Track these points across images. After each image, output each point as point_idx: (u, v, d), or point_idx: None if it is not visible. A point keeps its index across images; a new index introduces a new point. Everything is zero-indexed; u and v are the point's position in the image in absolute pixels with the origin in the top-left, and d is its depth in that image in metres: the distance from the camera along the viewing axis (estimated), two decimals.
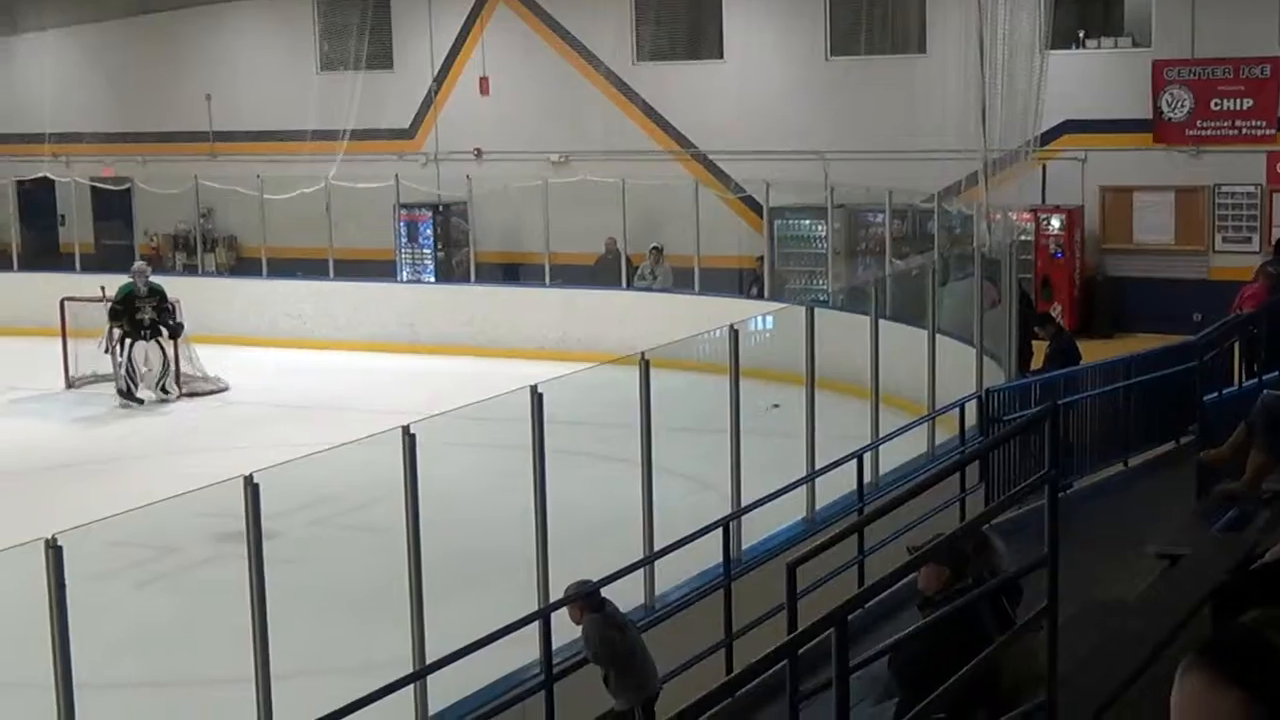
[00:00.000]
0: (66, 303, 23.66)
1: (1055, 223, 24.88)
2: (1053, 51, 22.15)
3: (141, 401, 22.37)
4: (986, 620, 7.70)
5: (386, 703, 9.42)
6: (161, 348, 22.63)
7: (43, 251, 31.13)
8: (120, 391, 22.44)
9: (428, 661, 9.92)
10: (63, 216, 32.17)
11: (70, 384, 23.32)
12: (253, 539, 8.93)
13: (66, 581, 7.95)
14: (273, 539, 9.17)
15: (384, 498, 12.21)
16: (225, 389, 23.17)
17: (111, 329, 22.60)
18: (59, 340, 23.43)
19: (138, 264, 23.73)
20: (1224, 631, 2.80)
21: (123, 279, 23.32)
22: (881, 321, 16.15)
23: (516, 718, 9.83)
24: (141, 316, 22.65)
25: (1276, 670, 2.65)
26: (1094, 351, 19.93)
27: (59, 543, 7.89)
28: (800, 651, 7.00)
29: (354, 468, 15.35)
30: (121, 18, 32.56)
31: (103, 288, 23.41)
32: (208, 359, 23.48)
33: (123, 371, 22.47)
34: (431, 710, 10.04)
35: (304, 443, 13.21)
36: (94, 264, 28.68)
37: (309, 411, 21.12)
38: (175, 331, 22.76)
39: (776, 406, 13.17)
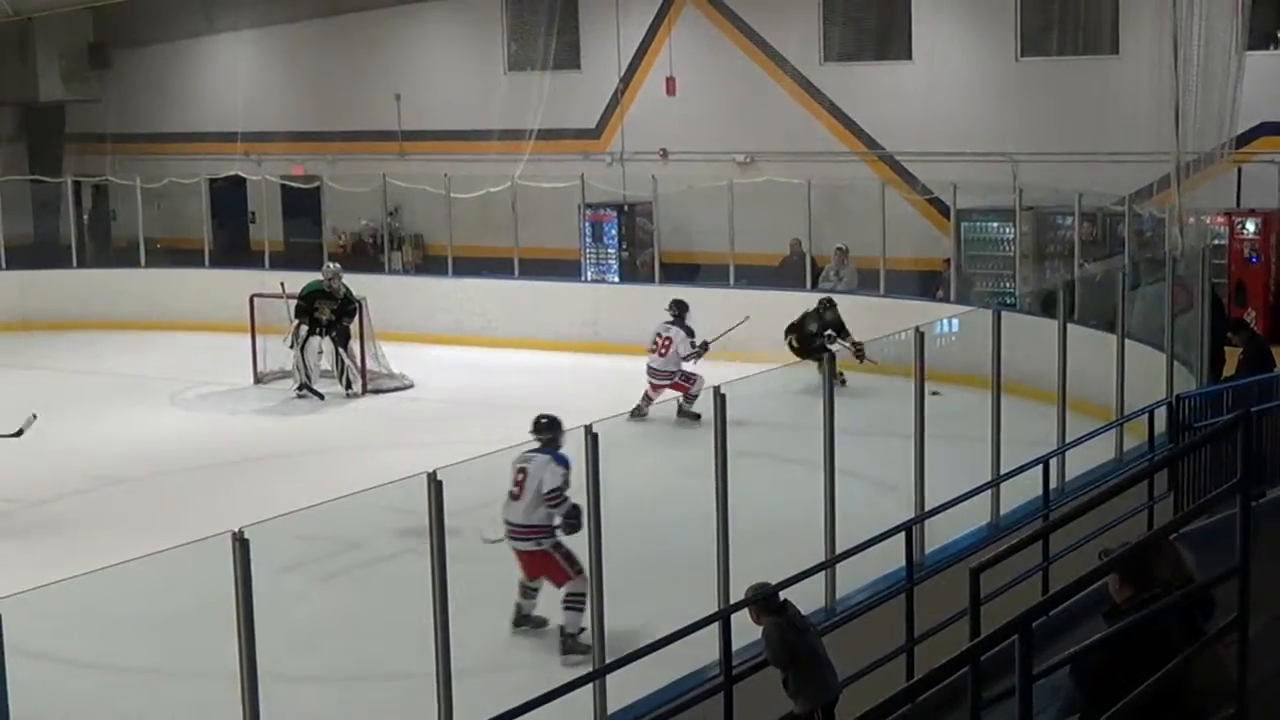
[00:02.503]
0: (256, 299, 24.09)
1: (1250, 227, 24.31)
2: (1250, 52, 21.63)
3: (321, 396, 22.68)
4: (1174, 631, 7.53)
5: (565, 701, 9.45)
6: (335, 347, 22.96)
7: (233, 249, 31.77)
8: (296, 385, 22.84)
9: (607, 660, 9.94)
10: (253, 214, 32.80)
11: (258, 379, 23.74)
12: (435, 535, 9.01)
13: (252, 574, 8.09)
14: (455, 536, 9.23)
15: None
16: (410, 386, 23.44)
17: (298, 325, 22.98)
18: (248, 336, 23.88)
19: (330, 266, 24.07)
20: None
21: (310, 277, 23.73)
22: (1070, 326, 15.88)
23: (696, 718, 9.81)
24: (320, 315, 23.00)
25: None
26: None
27: (245, 536, 8.03)
28: (983, 658, 6.91)
29: None
30: (313, 18, 33.13)
31: (282, 283, 23.83)
32: (393, 356, 23.77)
33: (300, 365, 22.87)
34: (610, 709, 10.06)
35: (487, 440, 13.32)
36: (283, 261, 29.20)
37: (492, 409, 21.26)
38: (339, 338, 23.04)
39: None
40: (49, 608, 8.74)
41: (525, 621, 12.81)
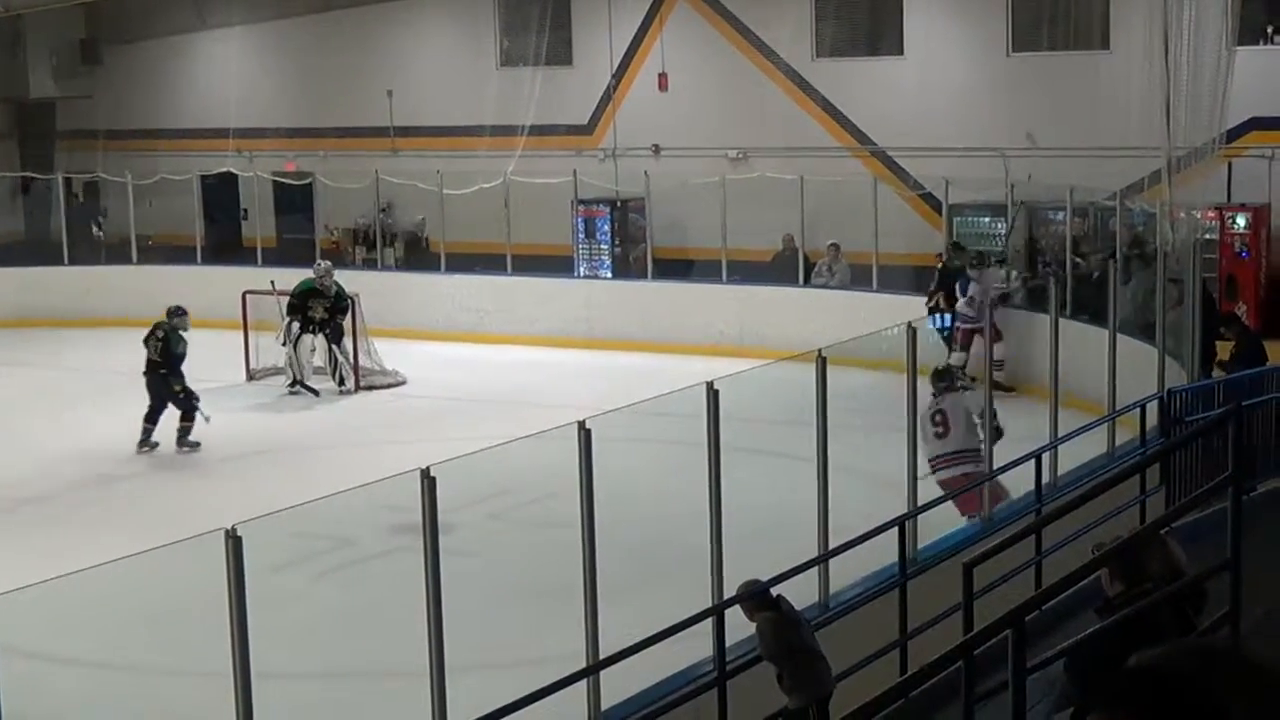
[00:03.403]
0: (248, 296, 24.09)
1: (1241, 221, 24.35)
2: (1240, 47, 21.66)
3: (315, 393, 22.67)
4: (1167, 625, 7.55)
5: (560, 697, 9.47)
6: (328, 344, 22.96)
7: (225, 245, 31.74)
8: (289, 381, 22.83)
9: (601, 657, 9.95)
10: (245, 211, 32.78)
11: (251, 376, 23.75)
12: (429, 532, 9.01)
13: (245, 571, 8.09)
14: (449, 532, 9.24)
15: (559, 492, 12.30)
16: (403, 383, 23.45)
17: (290, 323, 22.97)
18: (240, 333, 23.86)
19: (322, 264, 24.03)
20: (1135, 669, 2.76)
21: (303, 273, 23.73)
22: (1061, 320, 15.92)
23: (690, 714, 9.83)
24: (313, 314, 22.99)
25: (1185, 698, 2.62)
26: None
27: (239, 533, 8.03)
28: (976, 653, 6.93)
29: (530, 462, 15.46)
30: (305, 14, 33.12)
31: (272, 282, 23.81)
32: (386, 353, 23.77)
33: (291, 361, 22.86)
34: (604, 705, 10.07)
35: (480, 437, 13.35)
36: (275, 258, 29.19)
37: (485, 405, 21.30)
38: (333, 335, 23.04)
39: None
40: (42, 605, 8.72)
41: None
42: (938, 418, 14.49)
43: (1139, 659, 2.78)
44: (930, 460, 14.29)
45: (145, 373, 19.89)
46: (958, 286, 21.11)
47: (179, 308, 20.33)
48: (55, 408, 22.31)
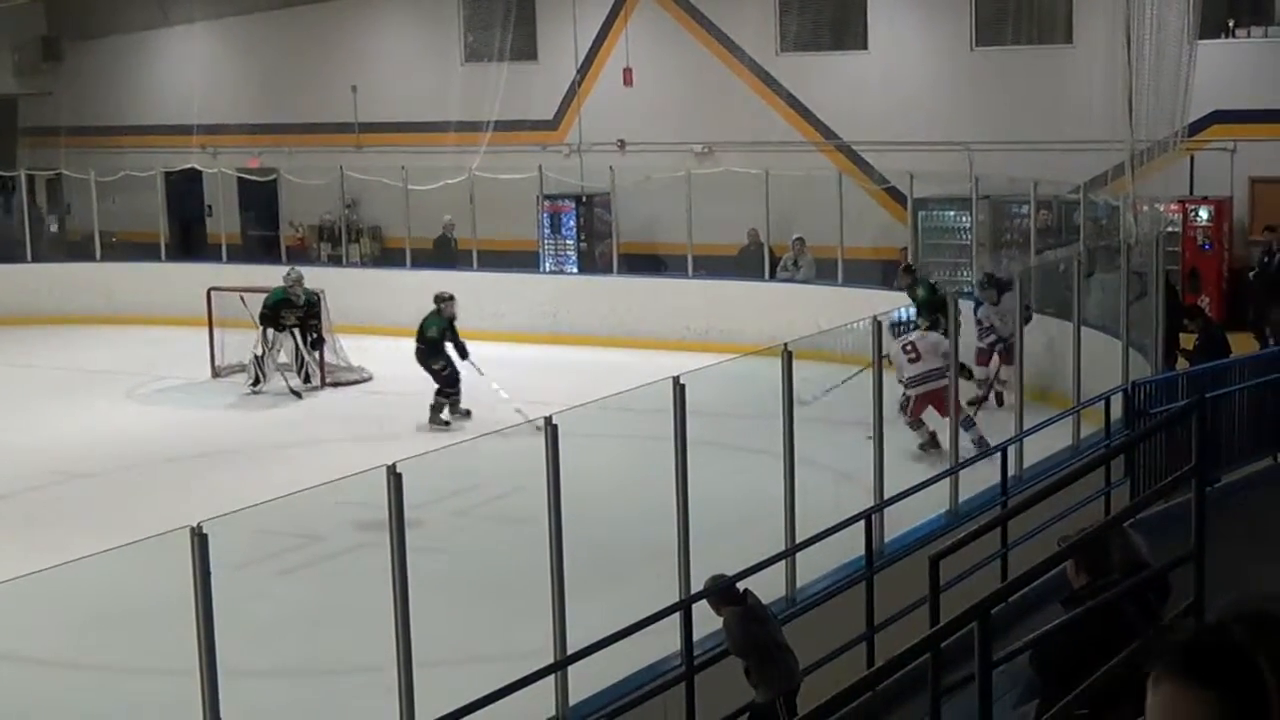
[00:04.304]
0: (213, 293, 24.02)
1: (1203, 214, 24.48)
2: (1202, 41, 21.75)
3: (299, 394, 22.58)
4: (1132, 617, 7.59)
5: (528, 693, 9.47)
6: (296, 343, 22.89)
7: (190, 242, 31.62)
8: (250, 381, 22.75)
9: (569, 652, 9.95)
10: (210, 207, 32.66)
11: (216, 373, 23.67)
12: (395, 528, 8.99)
13: (211, 569, 8.07)
14: (415, 528, 9.22)
15: (526, 488, 12.29)
16: (369, 379, 23.41)
17: (264, 331, 22.87)
18: (205, 330, 23.79)
19: (294, 272, 23.80)
20: (1191, 636, 2.78)
21: (266, 270, 23.67)
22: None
23: (657, 709, 9.85)
24: (285, 323, 22.90)
25: (1243, 666, 2.63)
26: (1243, 345, 19.59)
27: (204, 530, 8.00)
28: (943, 645, 6.95)
29: (496, 458, 15.48)
30: (268, 10, 33.02)
31: (242, 297, 23.62)
32: (351, 349, 23.73)
33: (255, 361, 22.77)
34: (572, 700, 10.07)
35: (446, 433, 13.34)
36: (240, 255, 29.12)
37: None
38: (315, 345, 23.02)
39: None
40: (7, 605, 8.69)
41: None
42: (908, 348, 16.95)
43: (1202, 627, 2.81)
44: (905, 380, 16.82)
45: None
46: (975, 311, 19.78)
47: (442, 294, 21.19)
48: (16, 406, 22.20)
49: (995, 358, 19.35)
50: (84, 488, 17.85)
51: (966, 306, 19.49)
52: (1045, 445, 15.28)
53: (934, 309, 18.26)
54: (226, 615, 8.30)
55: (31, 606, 11.57)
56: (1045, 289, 19.73)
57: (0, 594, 7.91)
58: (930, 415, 17.02)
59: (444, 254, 28.41)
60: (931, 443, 17.04)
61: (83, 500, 17.26)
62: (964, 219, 25.11)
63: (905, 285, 20.81)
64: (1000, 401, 18.91)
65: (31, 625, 12.24)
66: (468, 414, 20.20)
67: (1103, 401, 15.61)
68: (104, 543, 9.32)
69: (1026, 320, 16.80)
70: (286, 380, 22.65)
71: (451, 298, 21.04)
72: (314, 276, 24.16)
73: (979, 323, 19.68)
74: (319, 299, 23.22)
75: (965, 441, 15.16)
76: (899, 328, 17.69)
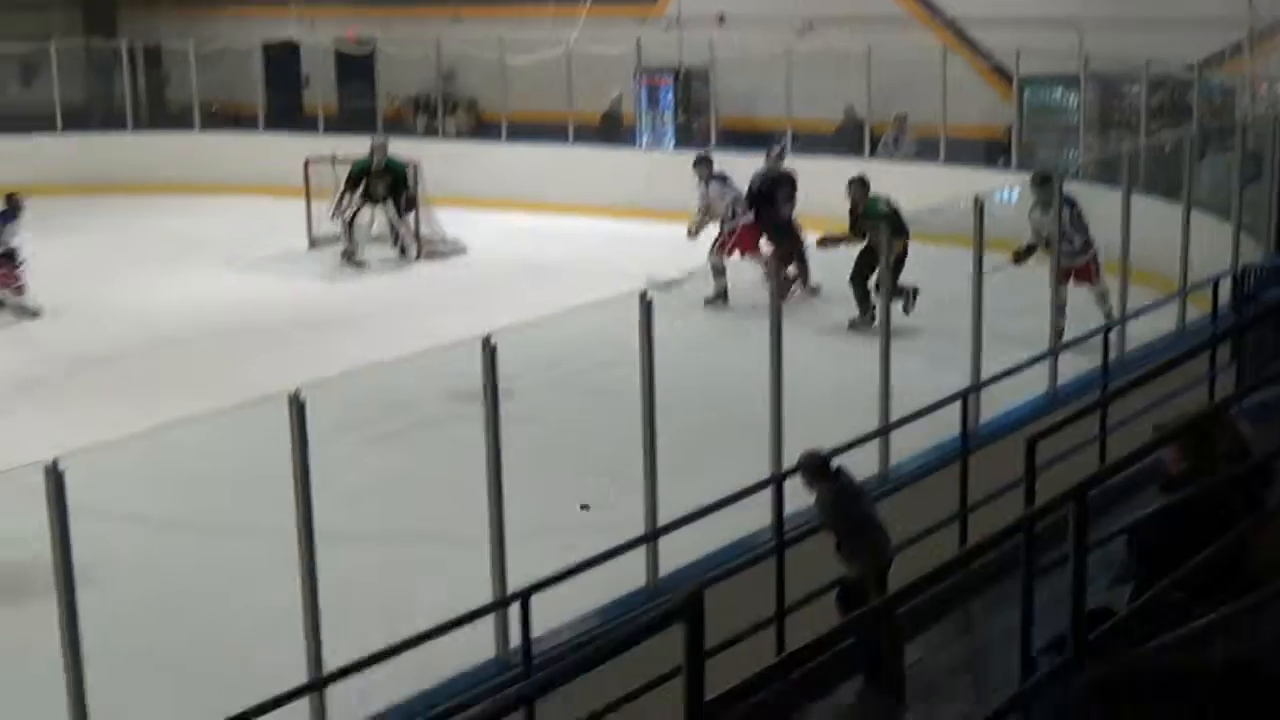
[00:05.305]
0: (310, 164, 24.05)
1: None
2: None
3: (364, 264, 22.69)
4: (1233, 504, 7.45)
5: (618, 564, 9.47)
6: (389, 214, 22.93)
7: (287, 114, 31.61)
8: (343, 254, 22.81)
9: (659, 524, 9.93)
10: (307, 78, 32.62)
11: (313, 244, 23.73)
12: (489, 399, 8.98)
13: (308, 435, 8.10)
14: (508, 400, 9.19)
15: (620, 361, 12.22)
16: (463, 251, 23.42)
17: (341, 196, 22.91)
18: (302, 201, 23.85)
19: (379, 138, 23.92)
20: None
21: (363, 141, 23.68)
22: (1134, 195, 15.65)
23: (747, 583, 9.80)
24: (373, 192, 22.92)
25: None
26: None
27: (302, 397, 8.03)
28: (1037, 527, 6.86)
29: (591, 330, 15.41)
30: None
31: (334, 157, 23.72)
32: (447, 222, 23.74)
33: (345, 227, 22.84)
34: (662, 573, 10.06)
35: (541, 305, 13.29)
36: (337, 126, 29.09)
37: (546, 274, 21.24)
38: (406, 207, 23.01)
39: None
40: (109, 466, 8.74)
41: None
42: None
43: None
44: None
45: None
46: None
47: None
48: (115, 274, 22.40)
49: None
50: (181, 354, 18.01)
51: (1072, 188, 19.15)
52: (1150, 329, 15.05)
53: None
54: (322, 481, 8.33)
55: (133, 468, 11.69)
56: (1154, 170, 19.35)
57: (101, 455, 7.95)
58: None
59: (611, 129, 28.25)
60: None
61: (180, 367, 17.41)
62: (1071, 98, 24.65)
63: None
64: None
65: (134, 486, 12.38)
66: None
67: (1210, 285, 15.30)
68: (203, 409, 9.39)
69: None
70: (394, 241, 22.71)
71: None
72: (410, 149, 24.12)
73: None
74: (406, 168, 23.18)
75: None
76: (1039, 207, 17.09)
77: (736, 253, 19.74)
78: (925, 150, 24.55)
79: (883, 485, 11.43)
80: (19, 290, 20.06)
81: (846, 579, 9.47)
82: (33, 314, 19.97)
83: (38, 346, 18.67)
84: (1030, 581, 6.84)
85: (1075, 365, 13.98)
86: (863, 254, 17.91)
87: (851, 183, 18.69)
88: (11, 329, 19.50)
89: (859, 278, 17.89)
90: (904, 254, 17.24)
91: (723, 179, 20.40)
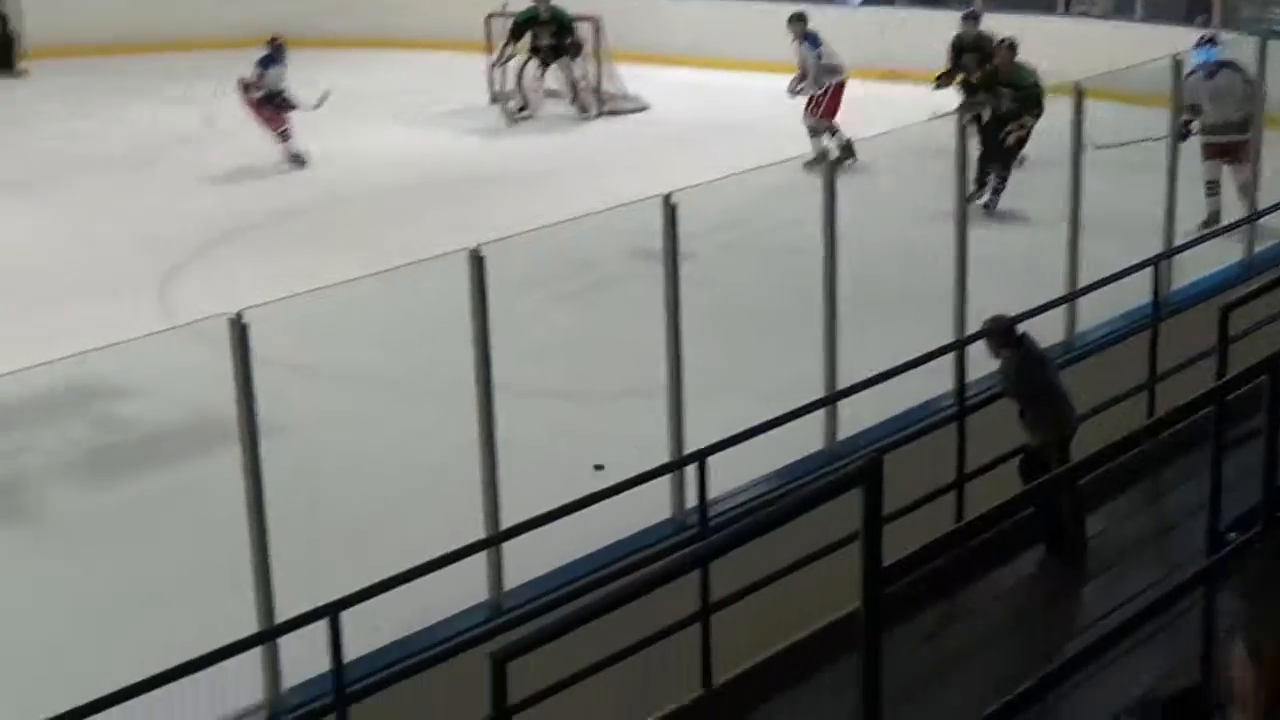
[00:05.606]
0: (491, 19, 23.99)
1: None
2: None
3: (527, 117, 22.70)
4: None
5: (796, 425, 9.45)
6: (566, 68, 22.83)
7: None
8: (507, 111, 22.81)
9: (839, 387, 9.87)
10: None
11: (494, 99, 23.67)
12: (670, 259, 8.96)
13: (488, 291, 8.14)
14: (688, 260, 9.16)
15: (802, 221, 12.11)
16: (646, 108, 23.28)
17: (504, 46, 22.84)
18: (484, 55, 23.82)
19: None
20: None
21: None
22: None
23: (927, 448, 9.72)
24: (538, 44, 22.80)
25: None
26: None
27: (482, 253, 8.07)
28: (1229, 398, 6.70)
29: (773, 191, 15.30)
30: None
31: (504, 4, 23.60)
32: (630, 78, 23.58)
33: (517, 87, 22.79)
34: (840, 436, 10.02)
35: (723, 164, 13.19)
36: None
37: (730, 133, 21.05)
38: (573, 51, 22.85)
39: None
40: (291, 320, 8.86)
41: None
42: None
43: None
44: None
45: None
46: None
47: None
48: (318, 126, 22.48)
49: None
50: (361, 209, 18.14)
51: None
52: None
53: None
54: (501, 337, 8.38)
55: (318, 322, 11.83)
56: None
57: (290, 307, 8.07)
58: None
59: None
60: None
61: (360, 222, 17.55)
62: None
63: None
64: None
65: (318, 339, 12.55)
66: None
67: None
68: (381, 264, 9.46)
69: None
70: (572, 97, 22.67)
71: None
72: (576, 3, 23.74)
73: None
74: (571, 20, 22.98)
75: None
76: (1201, 70, 16.46)
77: (829, 115, 19.48)
78: (1122, 6, 23.88)
79: (1068, 353, 11.25)
80: (284, 135, 20.02)
81: (1029, 447, 9.37)
82: (300, 162, 20.02)
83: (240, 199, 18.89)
84: (1220, 454, 6.70)
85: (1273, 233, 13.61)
86: (991, 123, 17.21)
87: (1000, 44, 17.93)
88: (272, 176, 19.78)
89: (990, 148, 17.13)
90: (1027, 135, 16.80)
91: (814, 39, 20.08)
